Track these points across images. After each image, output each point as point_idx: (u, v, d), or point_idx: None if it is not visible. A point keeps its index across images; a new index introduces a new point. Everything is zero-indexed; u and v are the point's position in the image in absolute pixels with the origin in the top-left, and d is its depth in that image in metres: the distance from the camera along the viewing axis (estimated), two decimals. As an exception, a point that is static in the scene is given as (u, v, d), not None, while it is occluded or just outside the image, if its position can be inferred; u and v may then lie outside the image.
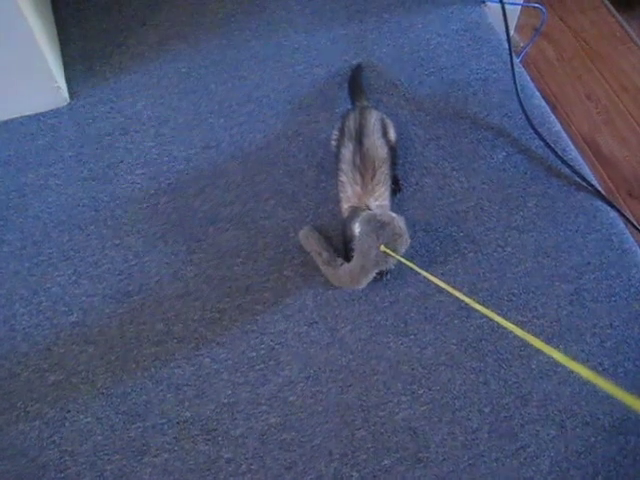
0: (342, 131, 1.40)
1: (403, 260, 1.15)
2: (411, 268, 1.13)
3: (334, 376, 1.25)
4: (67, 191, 1.47)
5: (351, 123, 1.39)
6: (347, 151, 1.35)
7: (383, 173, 1.32)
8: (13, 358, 1.27)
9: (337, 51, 1.70)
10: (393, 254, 1.14)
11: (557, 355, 0.77)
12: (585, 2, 2.09)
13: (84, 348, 1.28)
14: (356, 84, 1.58)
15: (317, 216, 1.42)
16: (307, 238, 1.33)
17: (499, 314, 1.28)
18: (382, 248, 1.14)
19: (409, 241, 1.18)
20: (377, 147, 1.35)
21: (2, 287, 1.35)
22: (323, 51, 1.70)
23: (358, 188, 1.30)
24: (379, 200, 1.30)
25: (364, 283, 1.25)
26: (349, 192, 1.31)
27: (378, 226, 1.15)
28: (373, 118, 1.41)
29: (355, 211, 1.27)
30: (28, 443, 1.19)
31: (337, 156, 1.38)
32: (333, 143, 1.43)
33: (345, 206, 1.32)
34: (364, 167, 1.31)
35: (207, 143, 1.54)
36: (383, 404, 1.23)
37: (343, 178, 1.33)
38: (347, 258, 1.28)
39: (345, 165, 1.34)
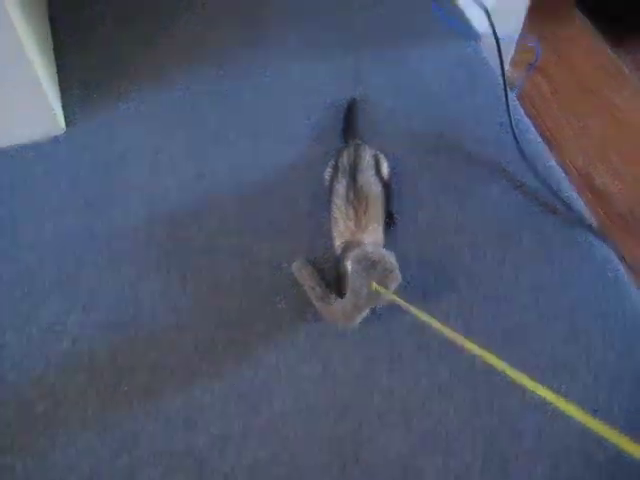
0: (336, 167, 1.41)
1: (396, 298, 1.15)
2: (403, 306, 1.13)
3: (326, 410, 1.24)
4: (62, 219, 1.47)
5: (345, 159, 1.40)
6: (341, 187, 1.35)
7: (376, 209, 1.33)
8: (1, 387, 1.25)
9: (333, 83, 1.71)
10: (385, 291, 1.15)
11: (552, 397, 0.76)
12: (578, 37, 2.12)
13: (74, 377, 1.26)
14: (351, 120, 1.59)
15: (311, 248, 1.41)
16: (300, 271, 1.33)
17: (493, 350, 1.30)
18: (373, 286, 1.15)
19: (400, 277, 1.19)
20: (371, 183, 1.36)
21: (-7, 315, 1.34)
22: (319, 82, 1.72)
23: (351, 224, 1.30)
24: (372, 236, 1.30)
25: (357, 320, 1.24)
26: (342, 228, 1.31)
27: (369, 265, 1.16)
28: (367, 155, 1.42)
29: (348, 247, 1.27)
30: (12, 476, 1.17)
31: (330, 191, 1.39)
32: (326, 178, 1.44)
33: (338, 242, 1.32)
34: (358, 203, 1.32)
35: (203, 173, 1.55)
36: (376, 437, 1.21)
37: (336, 214, 1.33)
38: (340, 294, 1.27)
39: (339, 200, 1.34)
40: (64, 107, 1.64)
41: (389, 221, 1.42)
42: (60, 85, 1.68)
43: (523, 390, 1.24)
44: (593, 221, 1.50)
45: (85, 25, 1.82)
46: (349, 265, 1.20)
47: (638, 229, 1.69)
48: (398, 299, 1.15)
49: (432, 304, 1.36)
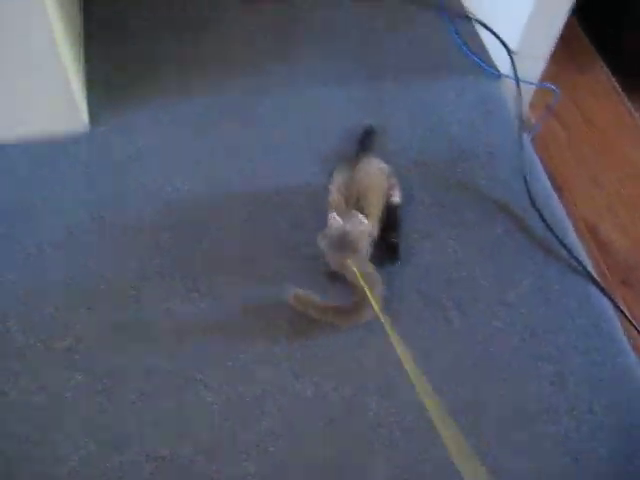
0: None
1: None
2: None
3: (314, 431, 1.26)
4: (74, 213, 1.50)
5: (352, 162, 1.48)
6: (339, 176, 1.43)
7: (369, 201, 1.39)
8: (3, 376, 1.28)
9: (353, 108, 1.75)
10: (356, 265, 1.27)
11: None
12: (598, 87, 2.15)
13: (73, 375, 1.29)
14: (366, 145, 1.62)
15: (315, 268, 1.43)
16: (298, 299, 1.34)
17: (481, 388, 1.33)
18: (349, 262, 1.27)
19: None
20: (370, 175, 1.44)
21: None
22: (339, 107, 1.75)
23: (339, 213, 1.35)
24: (356, 225, 1.33)
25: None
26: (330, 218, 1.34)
27: (335, 240, 1.28)
28: (376, 160, 1.50)
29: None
30: (3, 460, 1.21)
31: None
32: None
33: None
34: (349, 194, 1.39)
35: (216, 183, 1.58)
36: (359, 463, 1.24)
37: (330, 199, 1.40)
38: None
39: (333, 188, 1.42)
40: (89, 105, 1.67)
41: (392, 255, 1.45)
42: (87, 84, 1.71)
43: (507, 432, 1.28)
44: (593, 271, 1.53)
45: (117, 29, 1.86)
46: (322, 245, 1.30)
47: (638, 285, 1.71)
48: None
49: (425, 332, 1.39)
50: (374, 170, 1.47)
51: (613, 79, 2.17)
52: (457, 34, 1.93)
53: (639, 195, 1.89)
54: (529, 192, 1.61)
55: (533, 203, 1.59)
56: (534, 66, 1.83)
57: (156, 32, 1.88)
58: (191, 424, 1.26)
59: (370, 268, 1.31)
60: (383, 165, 1.51)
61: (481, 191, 1.63)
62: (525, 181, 1.62)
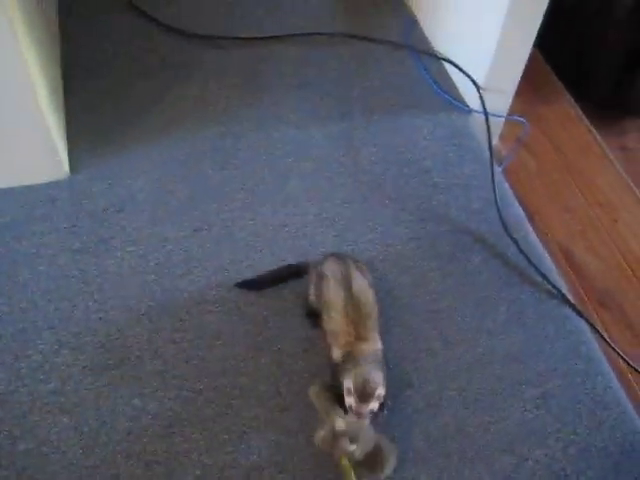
0: (321, 277, 1.36)
1: None
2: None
3: (300, 465, 1.27)
4: (58, 261, 1.51)
5: (333, 269, 1.36)
6: (337, 298, 1.32)
7: (373, 319, 1.32)
8: (-15, 422, 1.29)
9: (327, 147, 1.79)
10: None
11: None
12: (565, 118, 2.22)
13: (59, 418, 1.29)
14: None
15: (297, 307, 1.46)
16: (319, 398, 1.30)
17: (466, 414, 1.34)
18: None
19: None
20: (367, 292, 1.34)
21: (-16, 351, 1.38)
22: (313, 146, 1.79)
23: (351, 338, 1.29)
24: (371, 344, 1.29)
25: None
26: (342, 341, 1.29)
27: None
28: (352, 262, 1.40)
29: (349, 358, 1.26)
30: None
31: (320, 304, 1.36)
32: (312, 299, 1.40)
33: (337, 352, 1.29)
34: (356, 315, 1.30)
35: (199, 226, 1.60)
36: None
37: (334, 327, 1.31)
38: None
39: (335, 314, 1.31)
40: (69, 153, 1.70)
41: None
42: (68, 133, 1.74)
43: (492, 459, 1.30)
44: (569, 295, 1.56)
45: (96, 76, 1.90)
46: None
47: (613, 305, 1.75)
48: None
49: (409, 364, 1.41)
50: (364, 283, 1.37)
51: (578, 109, 2.24)
52: (427, 72, 1.99)
53: (608, 220, 1.94)
54: (502, 221, 1.65)
55: (507, 232, 1.63)
56: (502, 100, 1.89)
57: (134, 77, 1.92)
58: (179, 463, 1.26)
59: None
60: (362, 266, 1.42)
61: (456, 223, 1.67)
62: (498, 211, 1.67)
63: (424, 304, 1.51)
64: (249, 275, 1.51)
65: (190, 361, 1.38)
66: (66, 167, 1.67)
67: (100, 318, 1.43)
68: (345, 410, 1.22)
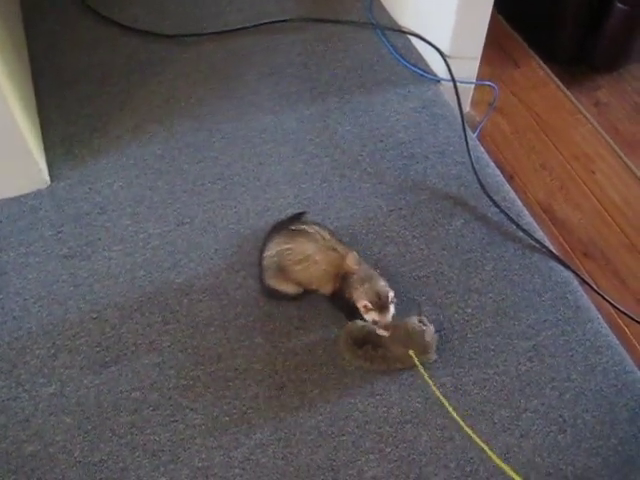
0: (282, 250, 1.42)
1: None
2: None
3: (304, 437, 1.29)
4: (47, 268, 1.53)
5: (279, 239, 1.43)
6: (307, 245, 1.38)
7: (336, 236, 1.44)
8: (-10, 430, 1.31)
9: (302, 130, 1.81)
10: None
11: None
12: (535, 78, 2.24)
13: (62, 418, 1.32)
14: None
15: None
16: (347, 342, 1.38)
17: (462, 372, 1.37)
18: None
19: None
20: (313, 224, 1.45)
21: (-18, 362, 1.40)
22: (289, 131, 1.81)
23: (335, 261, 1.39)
24: (351, 257, 1.39)
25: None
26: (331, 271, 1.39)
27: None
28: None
29: (344, 281, 1.37)
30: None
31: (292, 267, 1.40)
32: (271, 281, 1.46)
33: (328, 287, 1.40)
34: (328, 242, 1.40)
35: (181, 220, 1.62)
36: (352, 463, 1.27)
37: (317, 268, 1.38)
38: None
39: (313, 254, 1.38)
40: (48, 162, 1.71)
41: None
42: (44, 142, 1.76)
43: (491, 414, 1.32)
44: (553, 248, 1.58)
45: (66, 84, 1.91)
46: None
47: (597, 255, 1.77)
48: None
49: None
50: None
51: (548, 69, 2.26)
52: (393, 47, 2.01)
53: (586, 172, 1.97)
54: (480, 183, 1.67)
55: (485, 192, 1.65)
56: (469, 66, 1.92)
57: (104, 78, 1.94)
58: (183, 449, 1.28)
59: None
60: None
61: (435, 189, 1.69)
62: (475, 174, 1.69)
63: (411, 271, 1.53)
64: (235, 262, 1.54)
65: (185, 350, 1.40)
66: (46, 176, 1.68)
67: (93, 318, 1.45)
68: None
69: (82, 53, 2.01)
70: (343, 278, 1.36)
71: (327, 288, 1.40)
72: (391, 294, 1.32)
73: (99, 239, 1.58)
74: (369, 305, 1.30)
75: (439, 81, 1.93)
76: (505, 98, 2.04)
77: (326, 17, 2.11)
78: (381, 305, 1.30)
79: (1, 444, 1.29)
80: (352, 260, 1.37)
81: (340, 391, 1.35)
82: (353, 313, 1.36)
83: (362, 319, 1.35)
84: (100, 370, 1.38)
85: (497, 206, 1.63)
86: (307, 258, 1.37)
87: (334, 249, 1.38)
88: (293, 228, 1.43)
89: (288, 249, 1.39)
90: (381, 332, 1.32)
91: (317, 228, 1.41)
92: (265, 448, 1.28)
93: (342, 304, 1.40)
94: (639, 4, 2.06)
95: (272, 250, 1.41)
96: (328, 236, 1.39)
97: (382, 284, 1.34)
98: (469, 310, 1.47)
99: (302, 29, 2.09)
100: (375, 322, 1.32)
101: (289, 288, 1.43)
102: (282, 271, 1.40)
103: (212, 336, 1.42)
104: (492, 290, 1.50)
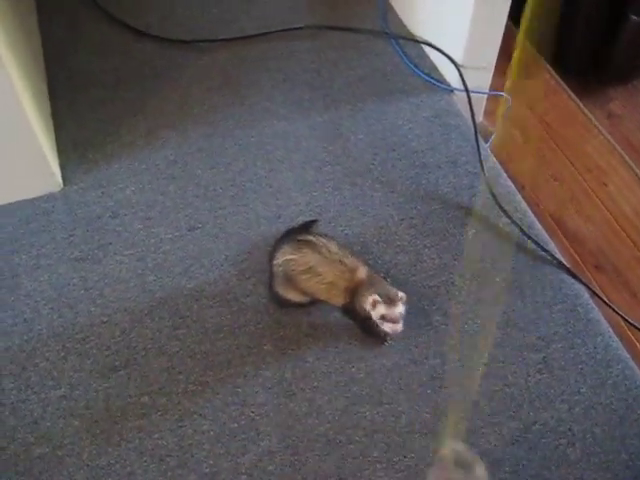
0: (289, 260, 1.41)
1: None
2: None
3: (312, 445, 1.29)
4: (58, 271, 1.54)
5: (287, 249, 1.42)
6: (315, 257, 1.38)
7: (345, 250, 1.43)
8: (0, 432, 1.31)
9: (315, 138, 1.81)
10: None
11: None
12: (547, 90, 2.23)
13: (70, 422, 1.32)
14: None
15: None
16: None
17: (471, 382, 1.36)
18: None
19: None
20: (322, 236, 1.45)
21: (-8, 363, 1.40)
22: (301, 138, 1.81)
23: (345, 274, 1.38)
24: (361, 269, 1.38)
25: None
26: (341, 285, 1.38)
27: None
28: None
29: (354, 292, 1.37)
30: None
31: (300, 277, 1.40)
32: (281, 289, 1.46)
33: (338, 299, 1.40)
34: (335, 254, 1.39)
35: (193, 225, 1.63)
36: (359, 472, 1.27)
37: (325, 279, 1.38)
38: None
39: (321, 268, 1.38)
40: (61, 166, 1.72)
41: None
42: (58, 146, 1.77)
43: (500, 426, 1.32)
44: (564, 260, 1.58)
45: (80, 89, 1.92)
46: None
47: (609, 267, 1.76)
48: None
49: (412, 341, 1.43)
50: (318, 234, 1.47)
51: (560, 80, 2.25)
52: (406, 56, 2.01)
53: (598, 185, 1.96)
54: (492, 193, 1.67)
55: (497, 203, 1.65)
56: (483, 76, 1.92)
57: (118, 83, 1.95)
58: (191, 455, 1.28)
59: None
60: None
61: (447, 199, 1.68)
62: (487, 184, 1.68)
63: (422, 281, 1.53)
64: (245, 268, 1.54)
65: (194, 356, 1.41)
66: (59, 179, 1.69)
67: (104, 322, 1.46)
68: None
69: (97, 58, 2.02)
70: (353, 291, 1.36)
71: (337, 300, 1.40)
72: (401, 294, 1.33)
73: (110, 243, 1.59)
74: (377, 298, 1.30)
75: (452, 91, 1.93)
76: (517, 108, 2.03)
77: (340, 25, 2.12)
78: (390, 299, 1.31)
79: (10, 446, 1.29)
80: (362, 273, 1.37)
81: (348, 399, 1.35)
82: (367, 325, 1.37)
83: (377, 333, 1.36)
84: (109, 374, 1.38)
85: (509, 217, 1.62)
86: (309, 270, 1.37)
87: (341, 262, 1.37)
88: (300, 238, 1.42)
89: (292, 260, 1.39)
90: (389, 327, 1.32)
91: (324, 240, 1.40)
92: (273, 455, 1.28)
93: (354, 316, 1.40)
94: (654, 16, 2.06)
95: (279, 259, 1.42)
96: (335, 249, 1.39)
97: (390, 287, 1.35)
98: (479, 321, 1.47)
99: (316, 37, 2.10)
100: (383, 317, 1.31)
101: (297, 297, 1.43)
102: (289, 280, 1.40)
103: (221, 342, 1.43)
104: (502, 301, 1.50)
